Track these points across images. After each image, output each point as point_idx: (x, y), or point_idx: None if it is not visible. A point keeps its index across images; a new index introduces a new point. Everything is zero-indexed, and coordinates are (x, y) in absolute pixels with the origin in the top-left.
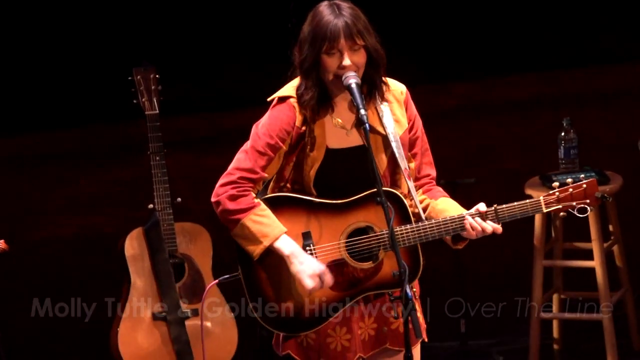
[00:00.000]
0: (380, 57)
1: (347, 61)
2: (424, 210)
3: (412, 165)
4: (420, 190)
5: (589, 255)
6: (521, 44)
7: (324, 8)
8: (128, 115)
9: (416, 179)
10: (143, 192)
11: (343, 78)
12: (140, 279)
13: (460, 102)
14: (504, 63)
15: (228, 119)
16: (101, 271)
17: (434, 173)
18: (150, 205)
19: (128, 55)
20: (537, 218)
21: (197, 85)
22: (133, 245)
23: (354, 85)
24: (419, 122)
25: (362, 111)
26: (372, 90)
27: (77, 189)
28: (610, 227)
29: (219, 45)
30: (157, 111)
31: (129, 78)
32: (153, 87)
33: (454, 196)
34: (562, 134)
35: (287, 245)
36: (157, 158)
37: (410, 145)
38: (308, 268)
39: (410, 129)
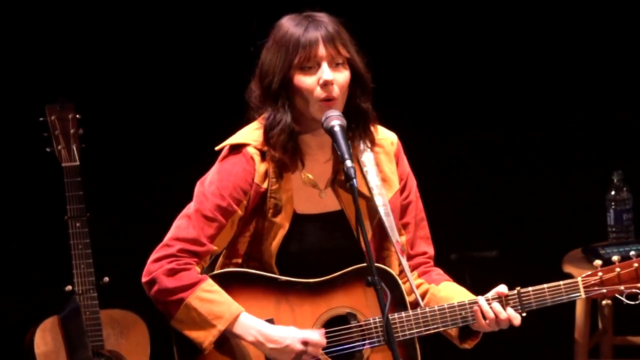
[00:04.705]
0: (368, 81)
1: (328, 74)
2: (422, 297)
3: (403, 238)
4: (416, 273)
5: None
6: (556, 78)
7: (289, 18)
8: (39, 168)
9: (409, 257)
10: (59, 269)
11: (323, 119)
12: None
13: (476, 150)
14: (532, 100)
15: (170, 174)
16: None
17: (431, 251)
18: (69, 287)
19: (40, 89)
20: (579, 305)
21: (129, 129)
22: (45, 339)
23: (337, 129)
24: (412, 183)
25: (348, 163)
26: (357, 128)
27: None
28: None
29: (158, 80)
30: (78, 162)
31: (41, 119)
32: (72, 131)
33: (469, 274)
34: (612, 192)
35: (250, 325)
36: (78, 224)
37: (401, 213)
38: (284, 339)
39: (402, 190)
